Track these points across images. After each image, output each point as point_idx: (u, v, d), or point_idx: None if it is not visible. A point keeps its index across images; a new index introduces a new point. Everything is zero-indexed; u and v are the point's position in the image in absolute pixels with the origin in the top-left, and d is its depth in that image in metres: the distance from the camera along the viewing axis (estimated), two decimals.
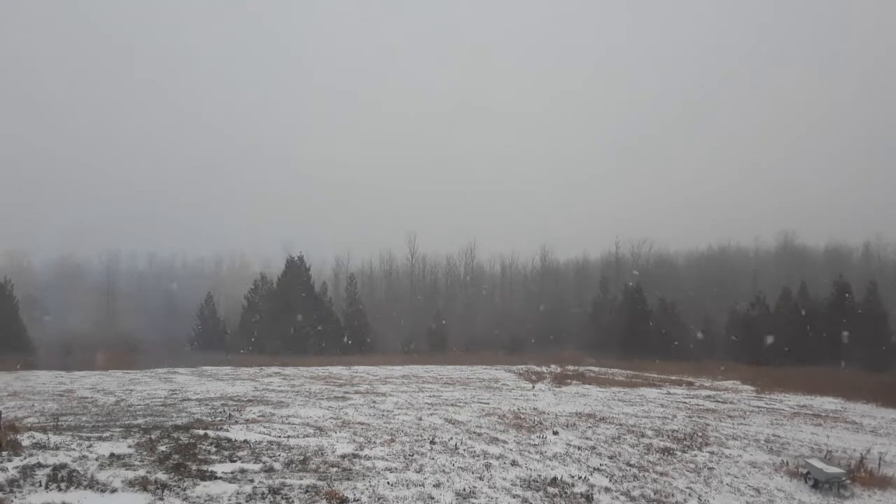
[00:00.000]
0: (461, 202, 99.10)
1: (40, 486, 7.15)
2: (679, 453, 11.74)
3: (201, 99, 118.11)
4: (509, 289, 67.83)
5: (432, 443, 11.03)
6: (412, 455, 9.97)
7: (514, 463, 10.03)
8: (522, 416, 14.82)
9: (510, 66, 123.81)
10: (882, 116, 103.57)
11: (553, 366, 32.74)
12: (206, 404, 14.90)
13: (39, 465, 7.87)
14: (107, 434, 10.24)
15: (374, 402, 16.43)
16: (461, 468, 9.42)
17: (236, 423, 12.00)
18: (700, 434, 13.79)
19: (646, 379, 27.99)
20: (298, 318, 45.28)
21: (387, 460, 9.50)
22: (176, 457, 8.78)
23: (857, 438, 14.65)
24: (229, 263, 76.12)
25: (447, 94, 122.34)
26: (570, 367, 31.82)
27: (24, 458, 8.14)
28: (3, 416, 10.21)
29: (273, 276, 50.73)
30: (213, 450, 9.42)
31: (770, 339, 38.81)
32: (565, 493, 8.65)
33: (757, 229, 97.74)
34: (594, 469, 10.06)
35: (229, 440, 10.16)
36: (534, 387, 23.27)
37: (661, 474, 10.16)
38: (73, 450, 8.81)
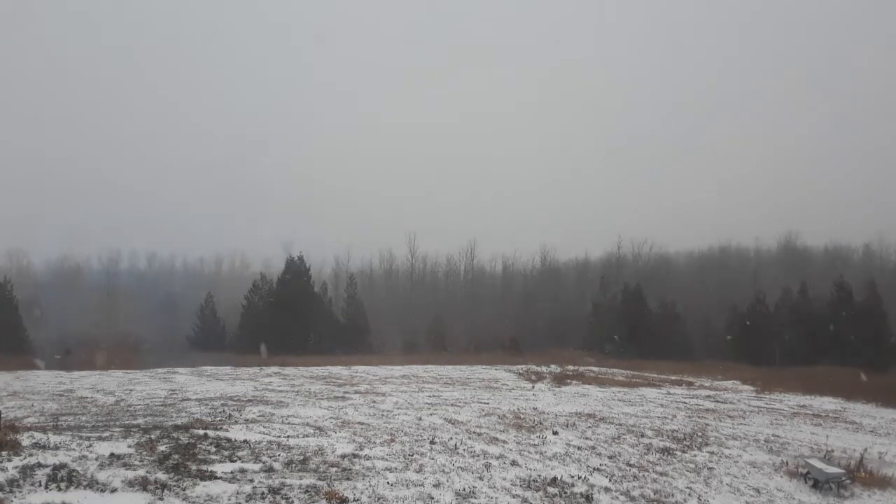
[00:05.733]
0: (461, 202, 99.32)
1: (40, 485, 7.15)
2: (679, 453, 11.74)
3: (201, 99, 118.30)
4: (509, 289, 67.79)
5: (432, 443, 11.03)
6: (412, 455, 9.97)
7: (513, 463, 10.03)
8: (522, 416, 14.82)
9: (510, 66, 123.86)
10: (882, 116, 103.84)
11: (553, 366, 32.73)
12: (206, 404, 14.90)
13: (39, 465, 7.86)
14: (107, 434, 10.24)
15: (374, 401, 16.42)
16: (461, 468, 9.42)
17: (236, 422, 12.00)
18: (700, 434, 13.79)
19: (646, 379, 27.97)
20: (299, 318, 45.28)
21: (387, 460, 9.50)
22: (176, 457, 8.78)
23: (857, 438, 14.65)
24: (229, 263, 76.16)
25: (447, 94, 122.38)
26: (570, 367, 31.81)
27: (24, 458, 8.13)
28: (2, 416, 10.22)
29: (273, 276, 50.72)
30: (213, 450, 9.42)
31: (770, 340, 38.81)
32: (565, 493, 8.65)
33: (757, 229, 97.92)
34: (594, 469, 10.06)
35: (229, 440, 10.15)
36: (534, 387, 23.26)
37: (661, 474, 10.16)
38: (73, 450, 8.81)
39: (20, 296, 43.96)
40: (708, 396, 21.69)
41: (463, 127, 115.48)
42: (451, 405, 16.34)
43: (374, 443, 10.71)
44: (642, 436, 13.16)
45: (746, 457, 11.86)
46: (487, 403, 17.07)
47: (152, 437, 10.07)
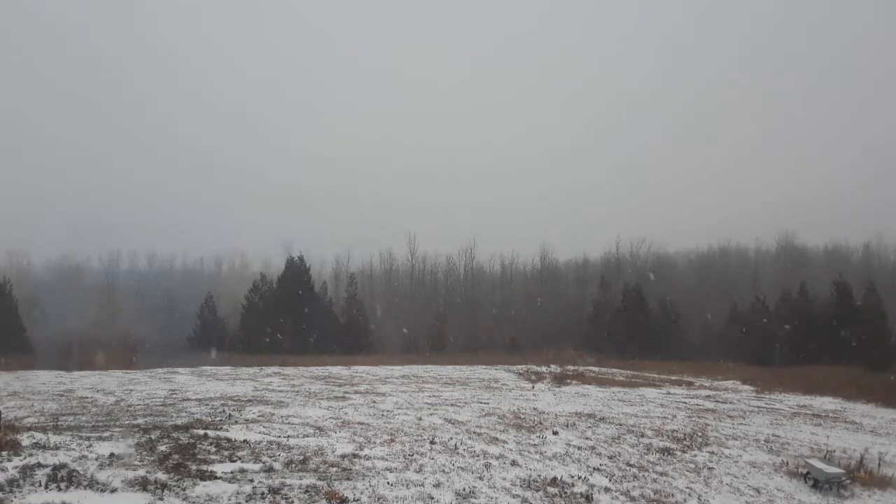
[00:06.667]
0: (461, 202, 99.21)
1: (40, 485, 7.15)
2: (679, 453, 11.75)
3: (201, 99, 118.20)
4: (509, 289, 67.77)
5: (432, 443, 11.03)
6: (412, 455, 9.97)
7: (513, 463, 10.04)
8: (522, 416, 14.83)
9: (510, 66, 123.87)
10: (882, 116, 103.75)
11: (553, 366, 32.72)
12: (206, 404, 14.90)
13: (39, 465, 7.87)
14: (107, 434, 10.24)
15: (374, 401, 16.43)
16: (461, 468, 9.43)
17: (236, 423, 12.00)
18: (700, 434, 13.79)
19: (646, 379, 27.98)
20: (299, 318, 45.28)
21: (387, 460, 9.51)
22: (176, 457, 8.79)
23: (857, 438, 14.65)
24: (229, 263, 75.98)
25: (447, 94, 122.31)
26: (570, 367, 31.81)
27: (24, 458, 8.14)
28: (3, 416, 10.22)
29: (273, 276, 50.69)
30: (213, 450, 9.42)
31: (770, 340, 38.81)
32: (565, 492, 8.65)
33: (757, 229, 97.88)
34: (594, 469, 10.07)
35: (229, 440, 10.16)
36: (534, 387, 23.27)
37: (661, 474, 10.17)
38: (73, 450, 8.81)
39: (20, 296, 43.92)
40: (708, 396, 21.70)
41: (463, 128, 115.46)
42: (451, 405, 16.34)
43: (374, 443, 10.71)
44: (642, 436, 13.17)
45: (746, 457, 11.86)
46: (487, 403, 17.07)
47: (152, 437, 10.07)
